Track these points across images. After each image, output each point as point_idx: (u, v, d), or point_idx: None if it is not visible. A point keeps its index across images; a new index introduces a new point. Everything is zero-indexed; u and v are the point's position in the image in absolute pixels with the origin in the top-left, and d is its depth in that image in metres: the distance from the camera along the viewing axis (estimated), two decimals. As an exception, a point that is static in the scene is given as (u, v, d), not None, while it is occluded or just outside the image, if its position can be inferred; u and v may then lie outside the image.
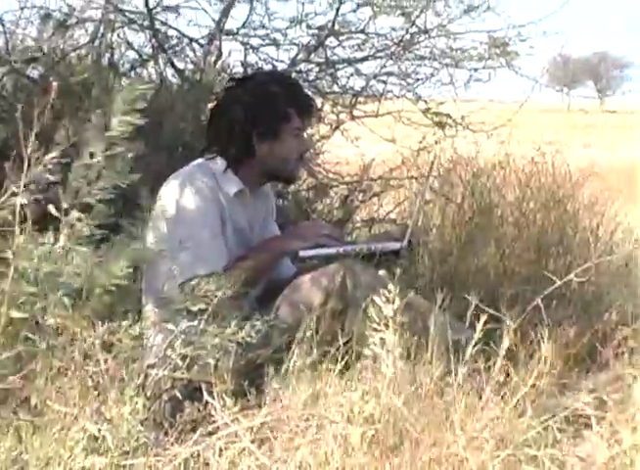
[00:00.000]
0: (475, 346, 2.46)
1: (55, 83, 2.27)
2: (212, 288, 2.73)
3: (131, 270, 2.56)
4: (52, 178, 2.24)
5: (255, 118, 3.30)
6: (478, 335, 2.46)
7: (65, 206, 2.23)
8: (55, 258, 2.30)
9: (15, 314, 2.20)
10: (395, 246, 3.31)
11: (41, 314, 2.35)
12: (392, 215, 4.63)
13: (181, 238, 3.00)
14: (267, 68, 4.35)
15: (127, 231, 2.53)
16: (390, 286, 2.23)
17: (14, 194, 2.23)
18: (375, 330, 2.24)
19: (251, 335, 2.60)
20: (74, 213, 2.20)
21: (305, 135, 3.36)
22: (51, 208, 2.18)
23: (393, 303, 2.19)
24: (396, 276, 2.32)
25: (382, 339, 2.19)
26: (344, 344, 2.71)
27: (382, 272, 2.35)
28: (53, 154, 2.21)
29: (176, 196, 3.14)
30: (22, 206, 2.20)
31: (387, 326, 2.19)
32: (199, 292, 2.72)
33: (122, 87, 2.30)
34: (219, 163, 3.27)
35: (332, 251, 3.25)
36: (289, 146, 3.31)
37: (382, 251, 3.33)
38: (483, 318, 2.48)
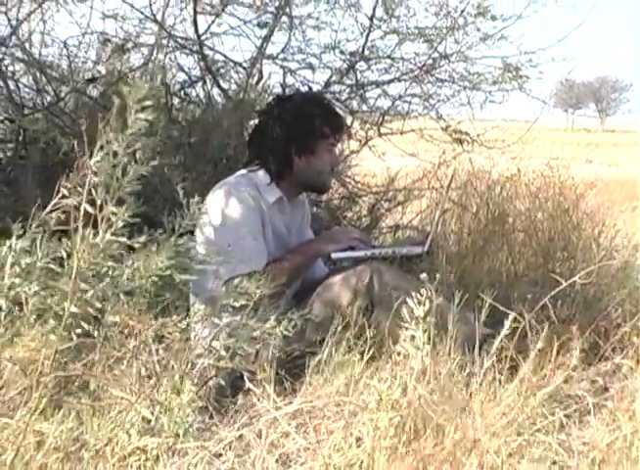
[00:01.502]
0: (500, 342, 2.45)
1: (115, 101, 2.24)
2: (253, 286, 2.72)
3: (173, 262, 2.56)
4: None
5: (294, 136, 3.29)
6: (504, 332, 2.45)
7: (99, 201, 2.21)
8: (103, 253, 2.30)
9: (74, 309, 2.19)
10: (417, 250, 3.29)
11: (98, 309, 2.34)
12: (415, 222, 4.62)
13: (227, 242, 3.00)
14: (304, 89, 4.34)
15: (170, 227, 2.52)
16: (423, 290, 2.21)
17: (64, 197, 2.23)
18: (406, 328, 2.21)
19: (288, 329, 2.59)
20: (109, 207, 2.19)
21: (337, 150, 3.34)
22: (86, 205, 2.17)
23: (424, 305, 2.16)
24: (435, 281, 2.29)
25: (412, 336, 2.17)
26: (372, 338, 2.71)
27: (424, 276, 2.32)
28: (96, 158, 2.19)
29: (222, 204, 3.13)
30: (77, 208, 2.19)
31: (417, 325, 2.16)
32: (241, 290, 2.71)
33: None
34: (261, 174, 3.26)
35: (360, 254, 3.23)
36: (323, 160, 3.29)
37: (405, 254, 3.32)
38: (510, 317, 2.47)
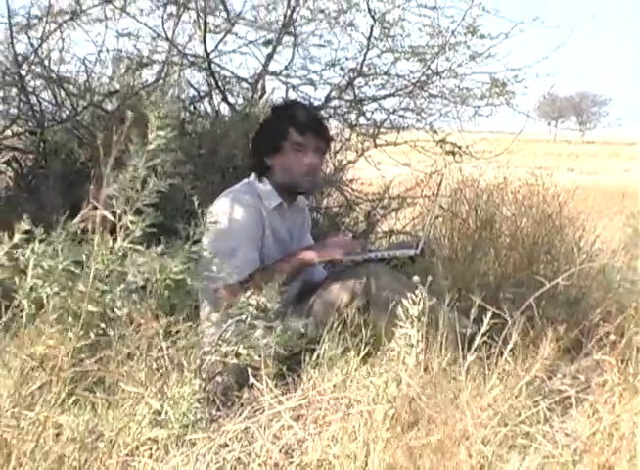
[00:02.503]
0: (481, 338, 2.44)
1: (129, 114, 2.24)
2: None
3: (187, 267, 2.57)
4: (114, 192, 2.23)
5: (262, 138, 3.32)
6: (484, 329, 2.44)
7: (119, 211, 2.21)
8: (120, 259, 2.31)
9: (91, 308, 2.20)
10: (410, 252, 3.28)
11: (112, 308, 2.35)
12: (408, 228, 4.63)
13: (224, 249, 2.98)
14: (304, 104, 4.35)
15: (183, 234, 2.53)
16: (418, 291, 2.20)
17: (94, 208, 2.23)
18: (401, 327, 2.21)
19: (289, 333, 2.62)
20: (128, 217, 2.19)
21: (312, 154, 3.30)
22: (106, 214, 2.17)
23: (419, 305, 2.16)
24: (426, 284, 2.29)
25: (407, 334, 2.16)
26: (369, 336, 2.70)
27: (416, 278, 2.31)
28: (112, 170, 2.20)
29: (223, 211, 3.12)
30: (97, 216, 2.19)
31: (412, 324, 2.16)
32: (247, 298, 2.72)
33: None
34: (264, 181, 3.27)
35: (357, 257, 3.23)
36: (289, 159, 3.25)
37: (399, 256, 3.32)
38: (489, 314, 2.46)
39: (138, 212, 2.22)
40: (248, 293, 2.76)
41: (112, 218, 2.17)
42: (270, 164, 3.28)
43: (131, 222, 2.19)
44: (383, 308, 2.90)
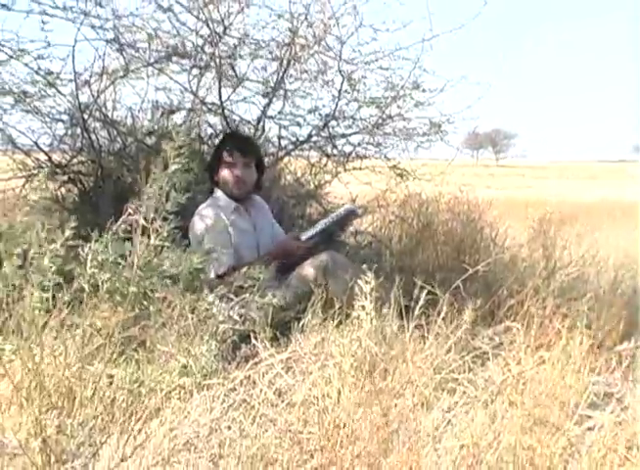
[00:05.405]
0: (420, 309, 2.44)
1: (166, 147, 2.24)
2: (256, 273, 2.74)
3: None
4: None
5: (210, 160, 3.40)
6: (422, 303, 2.44)
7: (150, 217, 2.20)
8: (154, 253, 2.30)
9: (133, 290, 2.18)
10: (351, 209, 3.42)
11: (150, 289, 2.34)
12: (370, 229, 4.60)
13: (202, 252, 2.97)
14: (292, 139, 4.33)
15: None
16: (369, 274, 2.17)
17: (129, 215, 2.22)
18: (358, 300, 2.19)
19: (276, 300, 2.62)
20: (157, 222, 2.18)
21: (240, 168, 3.31)
22: (140, 219, 2.16)
23: (370, 283, 2.14)
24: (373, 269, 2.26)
25: (362, 306, 2.15)
26: (339, 308, 2.67)
27: (364, 266, 2.29)
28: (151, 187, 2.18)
29: (196, 225, 3.20)
30: (137, 222, 2.18)
31: (365, 298, 2.15)
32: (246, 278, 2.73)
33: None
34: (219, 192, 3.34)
35: (317, 229, 3.31)
36: (223, 174, 3.30)
37: (345, 215, 3.38)
38: (425, 292, 2.46)
39: (164, 218, 2.21)
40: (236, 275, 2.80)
41: (144, 223, 2.15)
42: (216, 179, 3.34)
43: (159, 226, 2.18)
44: (338, 282, 2.90)
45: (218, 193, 3.32)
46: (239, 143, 3.40)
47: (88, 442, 1.72)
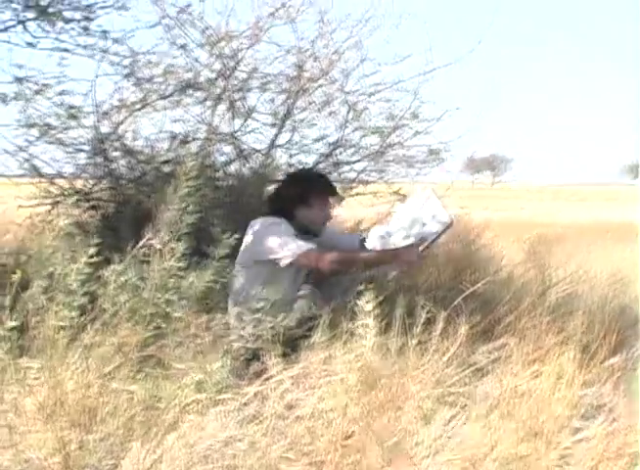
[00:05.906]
0: (421, 326, 2.45)
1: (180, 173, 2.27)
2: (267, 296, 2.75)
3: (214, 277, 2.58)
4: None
5: (291, 192, 3.26)
6: (423, 320, 2.44)
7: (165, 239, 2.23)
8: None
9: (152, 310, 2.20)
10: (445, 219, 3.23)
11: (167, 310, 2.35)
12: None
13: (277, 240, 3.00)
14: (300, 167, 4.35)
15: (211, 255, 2.53)
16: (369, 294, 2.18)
17: (148, 239, 2.24)
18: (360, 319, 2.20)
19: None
20: (171, 244, 2.21)
21: (329, 208, 3.30)
22: (155, 243, 2.18)
23: (371, 303, 2.15)
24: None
25: (365, 324, 2.16)
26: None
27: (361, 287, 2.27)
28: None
29: (270, 220, 3.13)
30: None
31: (368, 316, 2.16)
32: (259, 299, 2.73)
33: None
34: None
35: (426, 243, 3.18)
36: (310, 213, 3.23)
37: (449, 224, 3.24)
38: (425, 310, 2.47)
39: (179, 240, 2.23)
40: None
41: (159, 246, 2.17)
42: (295, 213, 3.19)
43: (172, 248, 2.20)
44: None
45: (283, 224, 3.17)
46: (331, 186, 3.40)
47: (109, 456, 1.73)
